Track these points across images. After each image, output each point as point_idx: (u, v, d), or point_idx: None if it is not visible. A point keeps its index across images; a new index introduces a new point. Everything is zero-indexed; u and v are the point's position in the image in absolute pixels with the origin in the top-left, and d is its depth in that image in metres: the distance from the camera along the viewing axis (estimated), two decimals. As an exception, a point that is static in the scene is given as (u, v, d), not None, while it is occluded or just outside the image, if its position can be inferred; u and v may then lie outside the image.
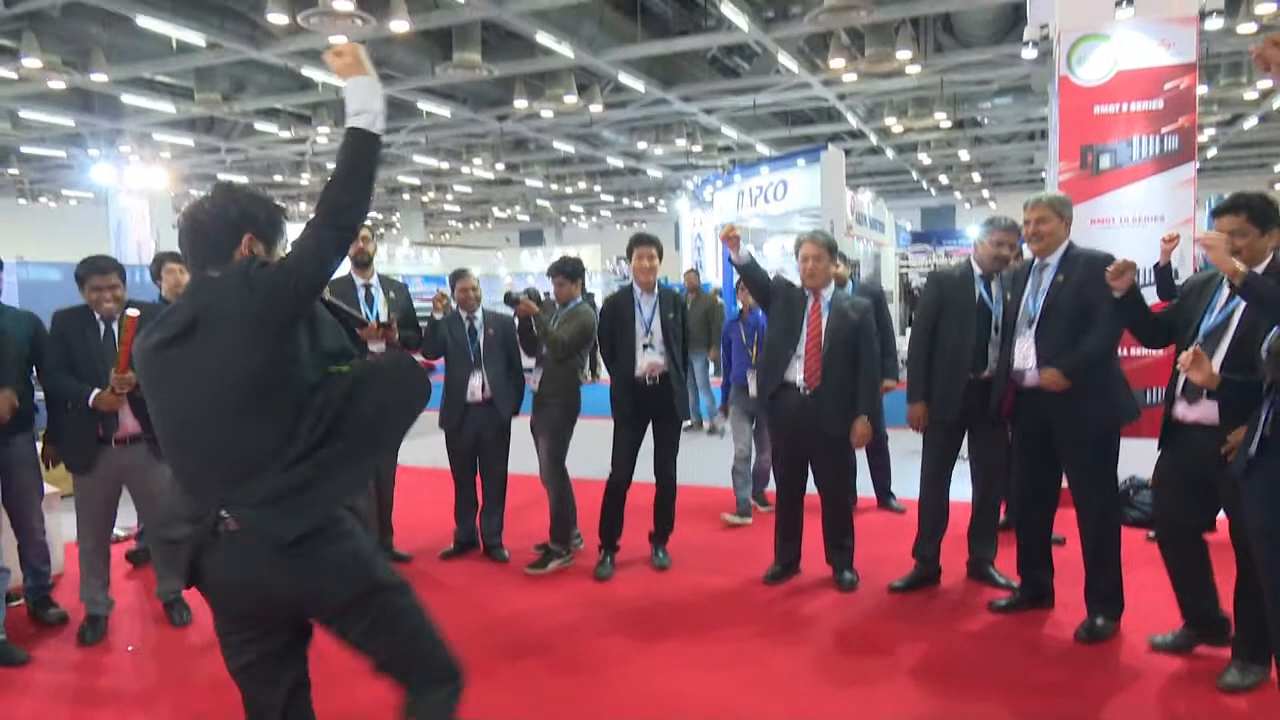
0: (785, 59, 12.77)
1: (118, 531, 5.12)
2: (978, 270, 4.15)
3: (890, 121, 16.85)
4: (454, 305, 5.00)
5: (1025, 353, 3.78)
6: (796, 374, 4.30)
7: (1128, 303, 3.37)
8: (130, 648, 3.90)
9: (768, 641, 3.84)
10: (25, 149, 19.43)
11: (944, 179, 26.90)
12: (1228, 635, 3.32)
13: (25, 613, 4.15)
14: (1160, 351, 3.91)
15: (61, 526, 4.64)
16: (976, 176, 25.73)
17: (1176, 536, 3.38)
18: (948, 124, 16.79)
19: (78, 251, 5.53)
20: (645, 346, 4.69)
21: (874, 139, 19.26)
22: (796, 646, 3.78)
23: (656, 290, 4.78)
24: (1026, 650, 3.66)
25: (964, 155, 21.73)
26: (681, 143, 18.66)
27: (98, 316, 3.86)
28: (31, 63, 10.99)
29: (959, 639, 3.80)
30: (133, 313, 3.44)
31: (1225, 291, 3.13)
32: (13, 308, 4.10)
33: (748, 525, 5.56)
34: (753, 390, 5.00)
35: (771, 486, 5.23)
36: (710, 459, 6.63)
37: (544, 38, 11.39)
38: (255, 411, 1.91)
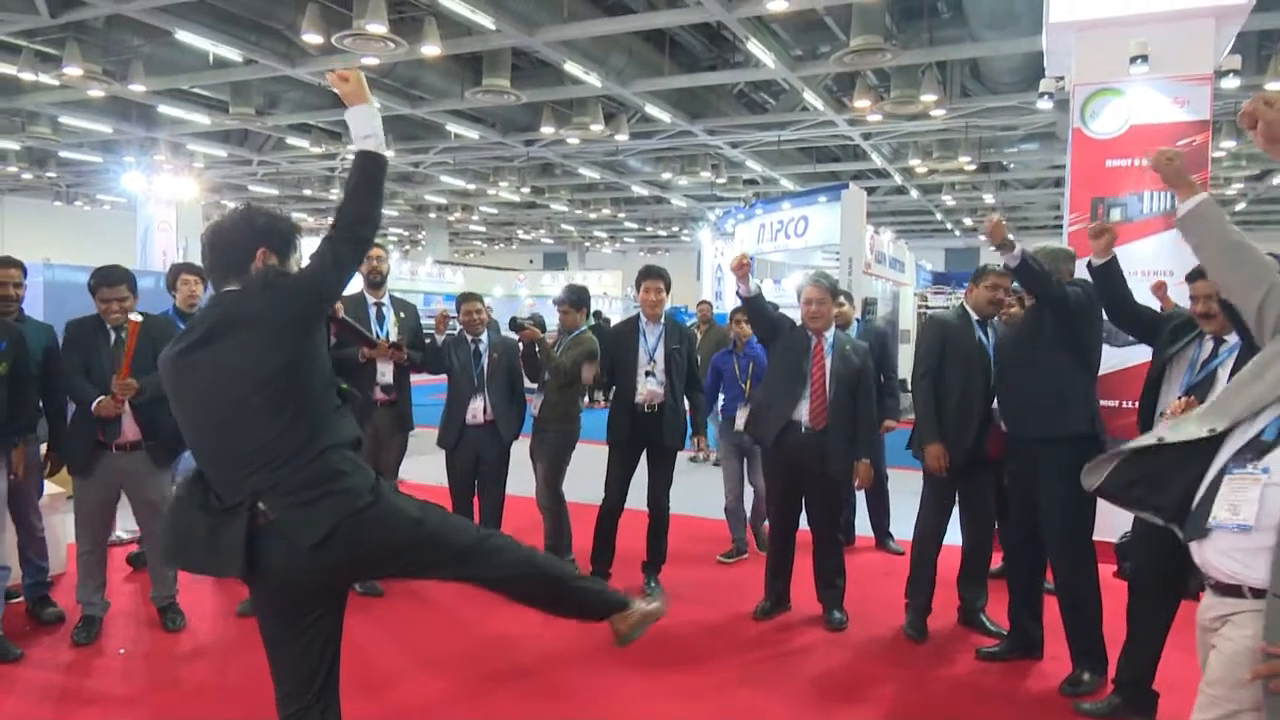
0: (811, 97, 12.89)
1: (121, 534, 5.23)
2: (974, 315, 4.18)
3: (915, 162, 16.93)
4: (457, 327, 5.08)
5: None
6: (802, 414, 4.30)
7: (1104, 270, 3.35)
8: (122, 650, 3.96)
9: (752, 677, 3.83)
10: (63, 154, 19.89)
11: (968, 221, 26.90)
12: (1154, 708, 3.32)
13: (24, 610, 4.22)
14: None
15: (65, 527, 4.71)
16: (1002, 220, 25.69)
17: (1145, 595, 3.35)
18: (972, 167, 16.87)
19: (106, 256, 5.68)
20: (647, 374, 4.75)
21: (898, 179, 19.33)
22: (780, 683, 3.78)
23: (663, 321, 4.84)
24: (1006, 700, 3.64)
25: (988, 198, 21.74)
26: (706, 174, 18.82)
27: (108, 326, 3.96)
28: (73, 71, 11.31)
29: (941, 685, 3.78)
30: (135, 318, 3.54)
31: (1207, 348, 3.15)
32: (34, 320, 4.21)
33: (743, 559, 5.54)
34: (740, 425, 4.96)
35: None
36: (712, 490, 6.63)
37: (573, 66, 11.57)
38: (279, 407, 2.05)
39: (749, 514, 5.67)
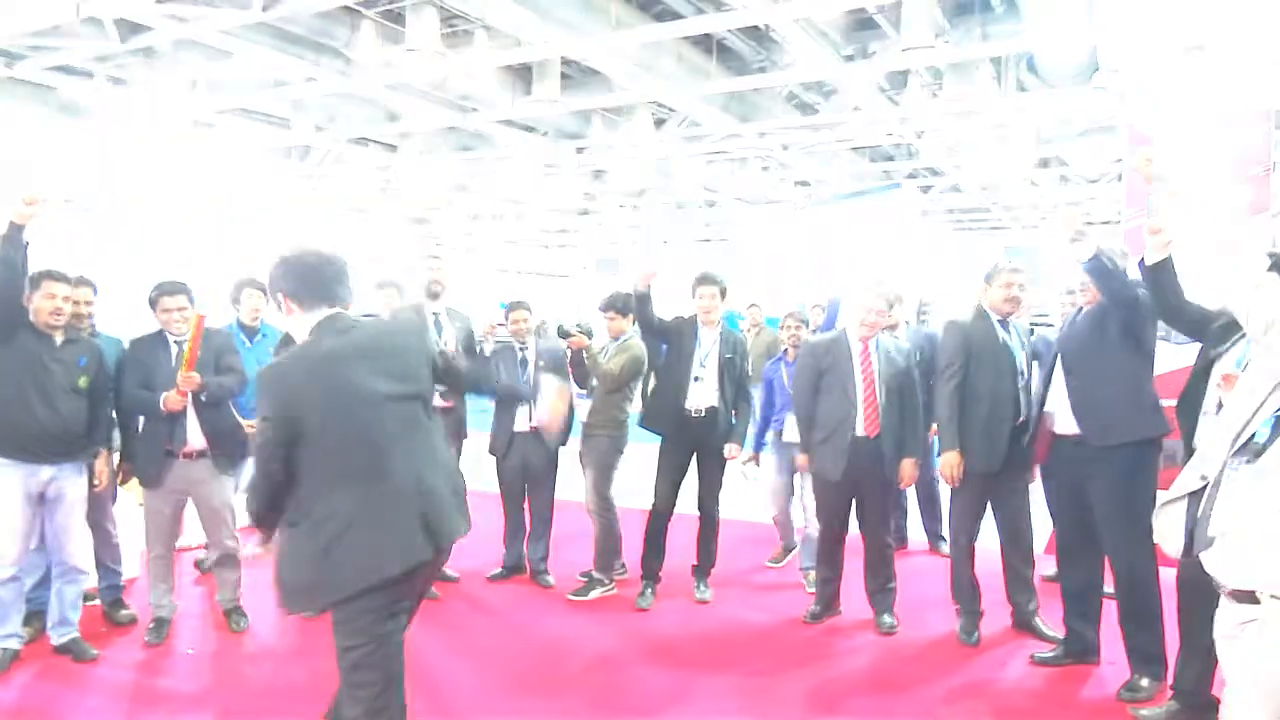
0: (863, 96, 12.75)
1: (190, 540, 5.42)
2: (994, 316, 4.13)
3: (971, 159, 16.61)
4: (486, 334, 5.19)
5: (1059, 397, 3.73)
6: (859, 425, 4.31)
7: (1160, 267, 3.26)
8: (190, 650, 4.12)
9: (802, 680, 3.84)
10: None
11: (1028, 217, 26.28)
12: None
13: (100, 612, 4.42)
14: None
15: (136, 532, 4.91)
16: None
17: (1198, 598, 3.25)
18: (1031, 162, 16.48)
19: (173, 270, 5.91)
20: (696, 379, 4.77)
21: (953, 176, 18.99)
22: (830, 688, 3.78)
23: (719, 328, 4.85)
24: (1061, 706, 3.58)
25: (1048, 194, 21.22)
26: (756, 176, 18.72)
27: (170, 339, 4.13)
28: (142, 93, 11.74)
29: (994, 691, 3.74)
30: (201, 312, 3.74)
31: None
32: (106, 335, 4.41)
33: (790, 562, 5.43)
34: (790, 436, 4.83)
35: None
36: (760, 493, 6.61)
37: (621, 73, 11.63)
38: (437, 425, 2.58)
39: (799, 539, 5.31)
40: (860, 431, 4.31)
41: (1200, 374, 3.33)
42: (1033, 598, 4.28)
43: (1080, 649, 3.89)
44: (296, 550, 2.35)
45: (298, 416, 2.30)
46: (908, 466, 4.35)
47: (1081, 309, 3.83)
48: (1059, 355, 3.83)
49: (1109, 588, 3.93)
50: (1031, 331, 4.41)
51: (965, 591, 4.28)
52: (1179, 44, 5.18)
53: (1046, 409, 3.82)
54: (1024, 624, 4.28)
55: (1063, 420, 3.74)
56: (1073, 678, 3.81)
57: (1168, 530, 2.00)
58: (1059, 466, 3.83)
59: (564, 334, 4.88)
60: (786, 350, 5.34)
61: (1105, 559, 3.86)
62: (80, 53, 11.25)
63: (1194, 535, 1.81)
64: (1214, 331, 3.32)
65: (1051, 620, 4.16)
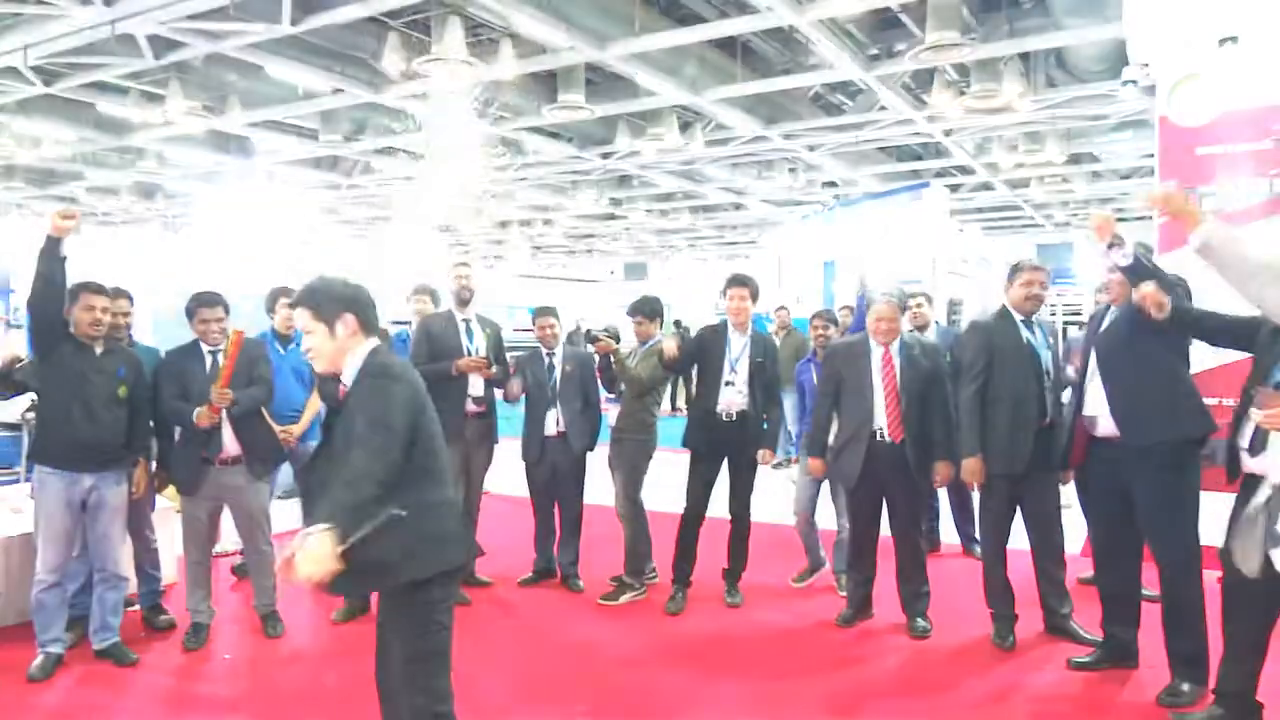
0: (889, 96, 12.68)
1: (226, 545, 5.51)
2: (1017, 316, 4.08)
3: (1000, 157, 16.44)
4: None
5: (1096, 398, 3.66)
6: (880, 423, 4.31)
7: (1178, 323, 3.24)
8: (227, 656, 4.18)
9: (833, 685, 3.82)
10: (169, 186, 21.01)
11: (1059, 215, 25.94)
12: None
13: (139, 618, 4.49)
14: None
15: (175, 539, 4.99)
16: (1095, 212, 24.72)
17: (1242, 601, 3.19)
18: (1061, 159, 16.27)
19: (208, 283, 6.01)
20: (728, 383, 4.76)
21: (983, 174, 18.80)
22: (862, 693, 3.75)
23: (750, 331, 4.84)
24: (1100, 712, 3.53)
25: (1080, 190, 20.93)
26: (784, 179, 18.67)
27: (205, 349, 4.20)
28: (176, 108, 11.98)
29: (1030, 695, 3.70)
30: (238, 329, 3.84)
31: None
32: (143, 344, 4.50)
33: (821, 572, 5.25)
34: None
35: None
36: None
37: (646, 79, 11.66)
38: None
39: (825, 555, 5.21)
40: (881, 435, 4.31)
41: (1258, 381, 3.25)
42: (1066, 601, 4.23)
43: (1119, 653, 3.83)
44: (397, 532, 2.44)
45: (418, 418, 2.54)
46: (941, 469, 4.30)
47: (1109, 306, 3.77)
48: (1093, 356, 3.76)
49: (1148, 590, 3.88)
50: (1065, 331, 4.35)
51: (997, 594, 4.24)
52: (1212, 35, 5.07)
53: (1085, 410, 3.73)
54: (1058, 628, 4.22)
55: (1100, 422, 3.67)
56: (1111, 682, 3.75)
57: (1247, 551, 1.98)
58: (1097, 468, 3.77)
59: (592, 338, 4.89)
60: (815, 351, 5.26)
61: (1142, 561, 3.80)
62: (115, 69, 11.51)
63: (1268, 536, 1.79)
64: (1264, 336, 3.21)
65: (1089, 624, 4.10)
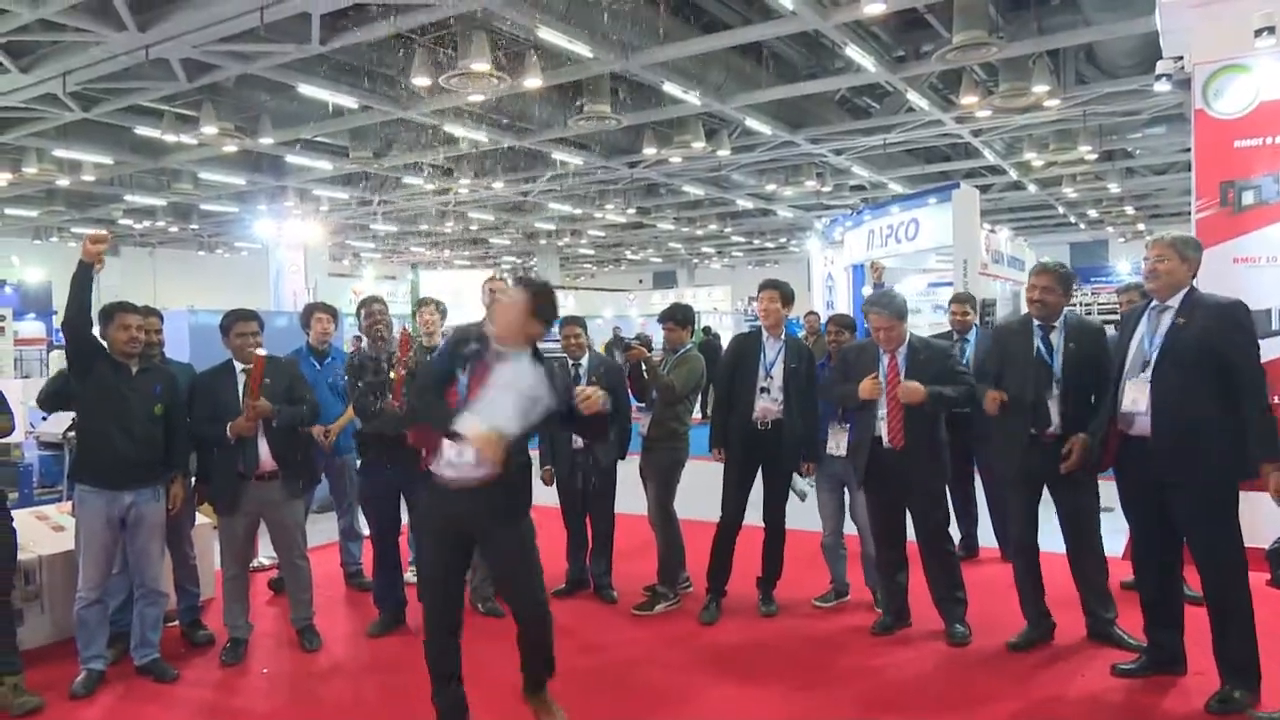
0: (916, 97, 12.60)
1: (262, 560, 5.57)
2: (1036, 320, 4.04)
3: (1031, 156, 16.27)
4: None
5: (1136, 398, 3.57)
6: (881, 431, 4.28)
7: None
8: (264, 670, 4.21)
9: (871, 695, 3.76)
10: (204, 206, 21.41)
11: (1093, 213, 25.61)
12: None
13: (178, 633, 4.54)
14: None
15: (213, 555, 5.05)
16: (1130, 209, 24.38)
17: None
18: (1094, 156, 16.06)
19: (244, 299, 6.11)
20: (762, 390, 4.71)
21: (1014, 174, 18.61)
22: (898, 703, 3.69)
23: (784, 336, 4.80)
24: (1147, 720, 3.44)
25: (1114, 188, 20.65)
26: (811, 183, 18.60)
27: (237, 367, 4.25)
28: (209, 129, 12.21)
29: (1073, 704, 3.61)
30: (261, 352, 3.97)
31: None
32: (176, 361, 4.57)
33: (844, 603, 4.97)
34: (833, 449, 4.61)
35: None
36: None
37: (671, 87, 11.69)
38: None
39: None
40: (886, 442, 4.26)
41: None
42: (1109, 605, 4.14)
43: (1165, 658, 3.73)
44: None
45: None
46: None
47: (1150, 303, 3.69)
48: (1131, 354, 3.68)
49: (1191, 590, 3.79)
50: (1102, 331, 4.25)
51: (1025, 598, 4.20)
52: (1248, 26, 4.97)
53: (1123, 409, 3.64)
54: (1101, 633, 4.13)
55: (1138, 420, 3.58)
56: (1157, 689, 3.65)
57: None
58: (1133, 468, 3.68)
59: (624, 345, 4.86)
60: (830, 355, 5.07)
61: (1183, 562, 3.71)
62: (150, 93, 11.77)
63: None
64: None
65: (1134, 629, 4.00)
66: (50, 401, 4.27)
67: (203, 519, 4.96)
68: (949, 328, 5.85)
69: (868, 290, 12.06)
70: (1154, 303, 3.66)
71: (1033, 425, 4.00)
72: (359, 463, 4.76)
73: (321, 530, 5.94)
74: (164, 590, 4.16)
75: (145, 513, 3.96)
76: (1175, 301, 3.58)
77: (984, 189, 18.36)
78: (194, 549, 4.62)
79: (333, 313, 5.61)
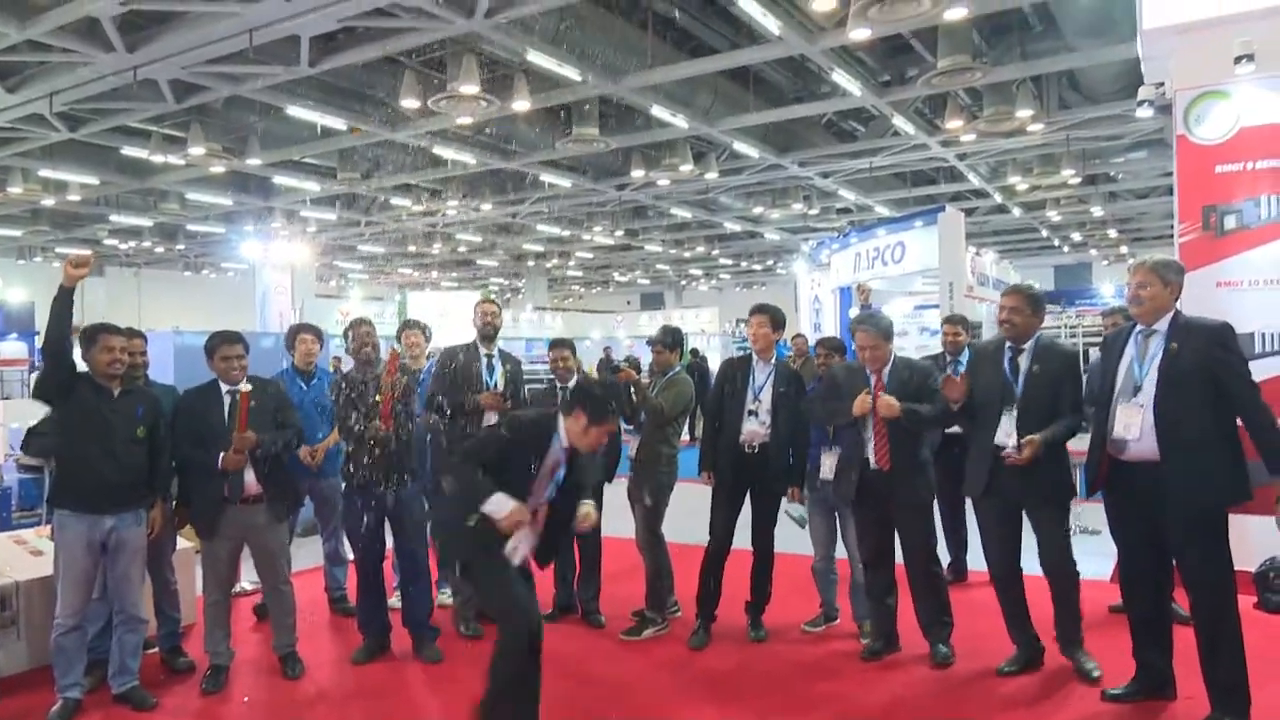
0: (901, 121, 12.71)
1: (245, 585, 5.49)
2: (1008, 342, 4.08)
3: (1015, 179, 16.43)
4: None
5: (1129, 423, 3.57)
6: (869, 453, 4.29)
7: None
8: (246, 699, 4.14)
9: (853, 716, 3.73)
10: (191, 226, 21.34)
11: (1077, 236, 25.86)
12: None
13: (158, 660, 4.46)
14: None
15: (194, 579, 4.98)
16: (1113, 232, 24.62)
17: None
18: (1077, 180, 16.23)
19: (230, 320, 6.08)
20: (750, 413, 4.70)
21: (998, 197, 18.77)
22: (890, 728, 3.66)
23: (774, 361, 4.80)
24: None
25: (1097, 211, 20.86)
26: (798, 206, 18.72)
27: (223, 389, 4.21)
28: (197, 150, 12.18)
29: (1064, 729, 3.59)
30: (245, 387, 3.99)
31: None
32: (159, 383, 4.52)
33: (833, 626, 4.95)
34: (825, 473, 4.59)
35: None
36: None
37: (659, 110, 11.76)
38: None
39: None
40: (873, 464, 4.28)
41: None
42: (1075, 627, 4.10)
43: (1155, 683, 3.71)
44: None
45: None
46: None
47: (1134, 327, 3.70)
48: (1120, 379, 3.69)
49: (1180, 609, 3.78)
50: (1085, 353, 4.30)
51: (1011, 622, 4.19)
52: (1228, 53, 5.04)
53: (1115, 434, 3.64)
54: (1066, 654, 4.11)
55: (1131, 446, 3.57)
56: (1147, 714, 3.63)
57: None
58: (1125, 492, 3.68)
59: (614, 368, 4.86)
60: (820, 378, 5.01)
61: (1173, 586, 3.71)
62: (137, 114, 11.74)
63: None
64: None
65: (1120, 653, 3.98)
66: (37, 446, 4.22)
67: (184, 543, 4.89)
68: (938, 349, 5.87)
69: (855, 312, 12.10)
70: (1139, 326, 3.67)
71: (989, 448, 4.01)
72: (344, 486, 4.72)
73: (305, 554, 5.87)
74: (144, 616, 4.09)
75: (126, 537, 3.90)
76: (1162, 325, 3.59)
77: (969, 212, 18.49)
78: (175, 573, 4.56)
79: (318, 334, 5.58)
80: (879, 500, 4.31)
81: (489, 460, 3.41)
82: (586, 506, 3.63)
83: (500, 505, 3.29)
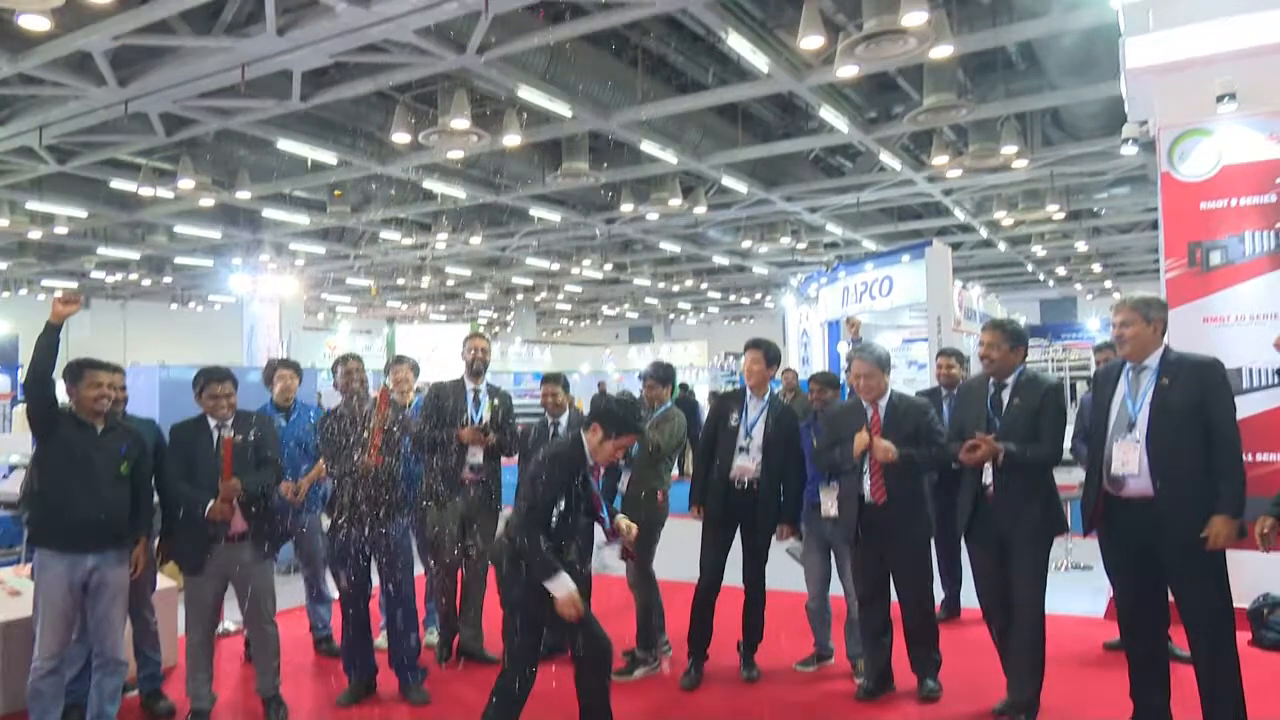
0: (888, 157, 12.85)
1: (228, 625, 5.39)
2: (990, 377, 4.05)
3: (1000, 215, 16.60)
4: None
5: (1126, 459, 3.56)
6: (864, 488, 4.26)
7: None
8: (227, 743, 4.04)
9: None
10: (178, 259, 21.27)
11: (1061, 270, 26.11)
12: None
13: (138, 703, 4.36)
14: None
15: (176, 619, 4.89)
16: (1097, 267, 24.87)
17: None
18: (1061, 215, 16.42)
19: (216, 354, 6.03)
20: (741, 449, 4.68)
21: (984, 232, 18.96)
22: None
23: (768, 396, 4.78)
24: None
25: (1081, 246, 21.08)
26: (786, 240, 18.84)
27: (212, 423, 4.17)
28: (186, 184, 12.17)
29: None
30: (228, 434, 3.97)
31: None
32: (137, 417, 4.45)
33: (827, 665, 4.89)
34: (827, 509, 4.53)
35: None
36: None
37: (649, 145, 11.85)
38: None
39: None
40: (869, 498, 4.24)
41: None
42: (1027, 680, 3.96)
43: (1154, 722, 3.68)
44: None
45: None
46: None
47: (1124, 363, 3.71)
48: (1114, 415, 3.69)
49: (1178, 649, 3.75)
50: (1072, 387, 4.28)
51: (1004, 659, 4.09)
52: (1209, 93, 5.13)
53: (1113, 471, 3.62)
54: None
55: (1129, 482, 3.56)
56: (1147, 754, 3.59)
57: None
58: (1122, 529, 3.65)
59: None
60: (814, 415, 4.92)
61: (1170, 624, 3.68)
62: (127, 147, 11.75)
63: None
64: None
65: (1119, 692, 3.94)
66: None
67: (166, 581, 4.81)
68: (926, 382, 5.87)
69: (843, 346, 12.12)
70: (1129, 364, 3.68)
71: (978, 483, 3.97)
72: (328, 523, 4.65)
73: (286, 593, 5.76)
74: (124, 659, 3.99)
75: (108, 577, 3.81)
76: (1153, 361, 3.60)
77: (955, 246, 18.65)
78: (155, 613, 4.46)
79: (296, 369, 5.53)
80: (877, 536, 4.26)
81: (553, 504, 3.52)
82: (621, 518, 3.78)
83: (562, 586, 3.43)
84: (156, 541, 4.26)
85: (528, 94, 9.54)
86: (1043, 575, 3.94)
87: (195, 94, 9.46)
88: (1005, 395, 4.00)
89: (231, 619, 5.27)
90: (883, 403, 4.31)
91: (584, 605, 3.53)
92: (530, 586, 3.46)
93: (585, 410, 5.70)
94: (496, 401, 5.13)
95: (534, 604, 3.47)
